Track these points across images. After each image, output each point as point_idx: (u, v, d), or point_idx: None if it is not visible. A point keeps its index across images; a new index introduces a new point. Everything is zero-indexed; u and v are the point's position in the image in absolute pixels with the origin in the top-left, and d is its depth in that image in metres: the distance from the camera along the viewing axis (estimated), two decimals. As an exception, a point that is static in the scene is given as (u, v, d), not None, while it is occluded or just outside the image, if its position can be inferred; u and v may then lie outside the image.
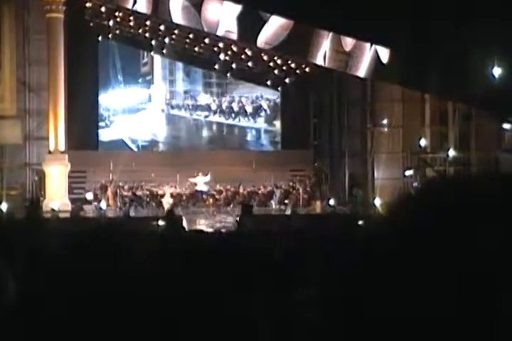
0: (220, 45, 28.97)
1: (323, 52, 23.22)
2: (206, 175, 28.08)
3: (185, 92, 33.53)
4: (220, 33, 24.06)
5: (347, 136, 29.49)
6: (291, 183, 29.21)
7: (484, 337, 0.87)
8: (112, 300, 1.13)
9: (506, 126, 22.47)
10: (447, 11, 18.88)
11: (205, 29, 24.35)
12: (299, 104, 31.98)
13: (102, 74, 31.86)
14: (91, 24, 29.39)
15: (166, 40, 30.08)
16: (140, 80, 32.83)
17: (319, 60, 23.60)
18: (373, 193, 26.63)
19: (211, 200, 28.18)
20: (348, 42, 23.11)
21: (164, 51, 31.05)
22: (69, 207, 25.56)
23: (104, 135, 31.73)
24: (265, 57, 29.42)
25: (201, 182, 28.25)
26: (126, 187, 27.97)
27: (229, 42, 27.73)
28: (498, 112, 22.18)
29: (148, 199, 27.73)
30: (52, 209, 23.80)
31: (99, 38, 31.01)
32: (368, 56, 23.00)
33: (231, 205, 27.96)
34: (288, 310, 2.84)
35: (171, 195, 27.52)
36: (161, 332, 1.16)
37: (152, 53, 31.52)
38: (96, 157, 29.56)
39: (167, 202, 26.62)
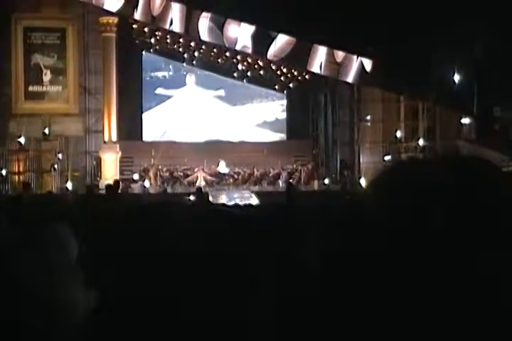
0: (238, 57, 28.89)
1: (319, 63, 23.19)
2: (219, 162, 28.13)
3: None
4: (238, 47, 24.06)
5: (338, 129, 29.45)
6: (294, 166, 29.18)
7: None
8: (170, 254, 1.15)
9: (464, 120, 22.45)
10: (417, 28, 18.87)
11: (226, 45, 24.35)
12: (301, 103, 31.93)
13: (146, 81, 31.71)
14: (136, 41, 29.30)
15: (196, 53, 30.02)
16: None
17: (316, 69, 23.57)
18: (359, 174, 26.71)
19: (231, 180, 28.23)
20: (339, 55, 23.08)
21: (194, 62, 30.97)
22: (120, 185, 25.67)
23: (147, 128, 31.62)
24: (273, 67, 29.33)
25: (223, 166, 28.35)
26: (164, 169, 28.01)
27: (245, 55, 27.65)
28: (457, 110, 22.19)
29: (181, 179, 27.79)
30: (107, 187, 23.99)
31: (143, 52, 30.94)
32: (355, 66, 22.96)
33: (247, 184, 28.05)
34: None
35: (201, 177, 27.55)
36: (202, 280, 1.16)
37: (184, 64, 31.41)
38: (140, 146, 29.57)
39: (198, 183, 26.64)
